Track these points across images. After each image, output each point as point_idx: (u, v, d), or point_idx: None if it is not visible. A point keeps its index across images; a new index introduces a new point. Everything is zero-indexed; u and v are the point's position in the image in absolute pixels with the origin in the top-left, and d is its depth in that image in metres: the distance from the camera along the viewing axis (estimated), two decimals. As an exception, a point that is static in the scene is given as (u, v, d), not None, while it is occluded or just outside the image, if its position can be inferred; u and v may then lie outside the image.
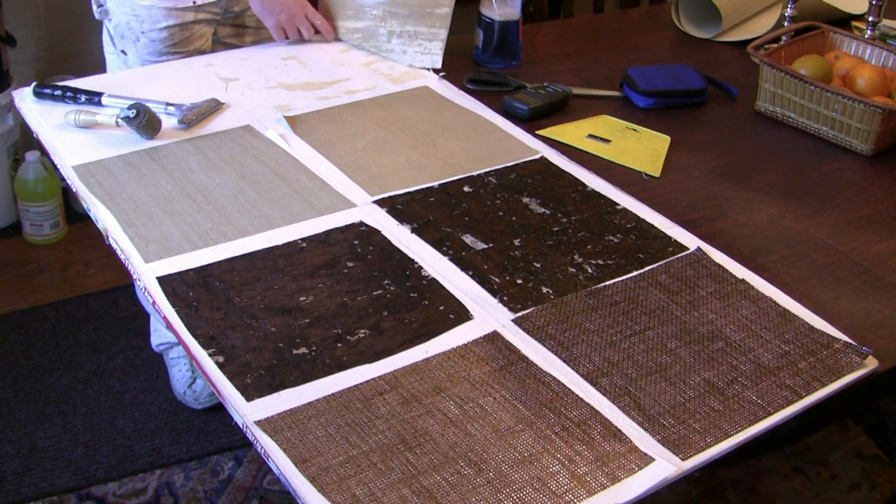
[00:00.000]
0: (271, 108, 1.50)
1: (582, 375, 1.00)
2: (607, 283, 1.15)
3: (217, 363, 0.99)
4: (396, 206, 1.27)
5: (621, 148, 1.48)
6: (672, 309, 1.11)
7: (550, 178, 1.37)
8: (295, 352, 1.01)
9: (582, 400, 0.97)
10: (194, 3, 1.71)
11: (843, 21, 1.96)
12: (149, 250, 1.15)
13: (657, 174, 1.42)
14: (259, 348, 1.01)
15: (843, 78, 1.60)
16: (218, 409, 2.05)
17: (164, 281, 1.10)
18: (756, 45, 1.64)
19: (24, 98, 1.49)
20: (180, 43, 1.72)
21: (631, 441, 0.92)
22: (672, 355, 1.04)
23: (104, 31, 1.79)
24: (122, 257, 1.16)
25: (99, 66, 1.84)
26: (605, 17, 2.34)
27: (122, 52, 1.74)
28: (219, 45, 1.81)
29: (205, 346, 1.01)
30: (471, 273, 1.15)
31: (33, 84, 1.49)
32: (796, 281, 1.19)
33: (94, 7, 1.76)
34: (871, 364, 1.04)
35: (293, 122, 1.46)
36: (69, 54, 2.68)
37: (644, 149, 1.48)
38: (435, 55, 1.67)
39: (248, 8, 1.80)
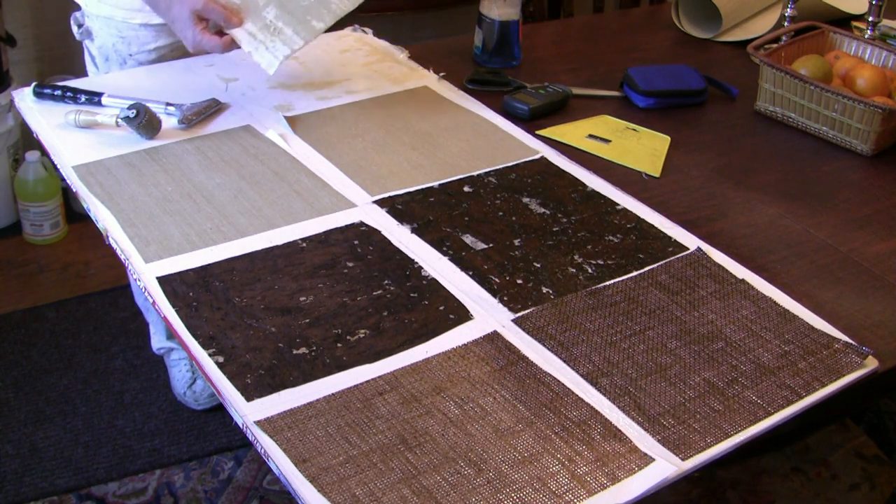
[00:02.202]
0: (271, 108, 1.50)
1: (582, 375, 1.00)
2: (607, 283, 1.15)
3: (217, 363, 0.99)
4: (396, 206, 1.27)
5: (621, 148, 1.48)
6: (672, 309, 1.11)
7: (550, 178, 1.37)
8: (295, 352, 1.01)
9: (582, 400, 0.97)
10: None
11: (843, 21, 1.96)
12: (149, 250, 1.15)
13: (657, 174, 1.42)
14: (259, 348, 1.01)
15: (843, 78, 1.60)
16: (218, 410, 2.05)
17: (164, 281, 1.10)
18: (756, 45, 1.64)
19: (24, 98, 1.49)
20: None
21: (631, 441, 0.92)
22: (672, 355, 1.04)
23: (86, 52, 1.72)
24: (122, 257, 1.16)
25: (99, 66, 1.83)
26: (605, 17, 2.34)
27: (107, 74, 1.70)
28: None
29: (205, 346, 1.01)
30: (471, 273, 1.15)
31: (33, 84, 1.49)
32: (796, 281, 1.19)
33: (74, 27, 1.69)
34: (871, 364, 1.04)
35: (293, 122, 1.46)
36: (69, 54, 2.68)
37: (644, 149, 1.48)
38: (273, 58, 1.41)
39: None
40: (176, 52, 1.68)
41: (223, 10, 1.40)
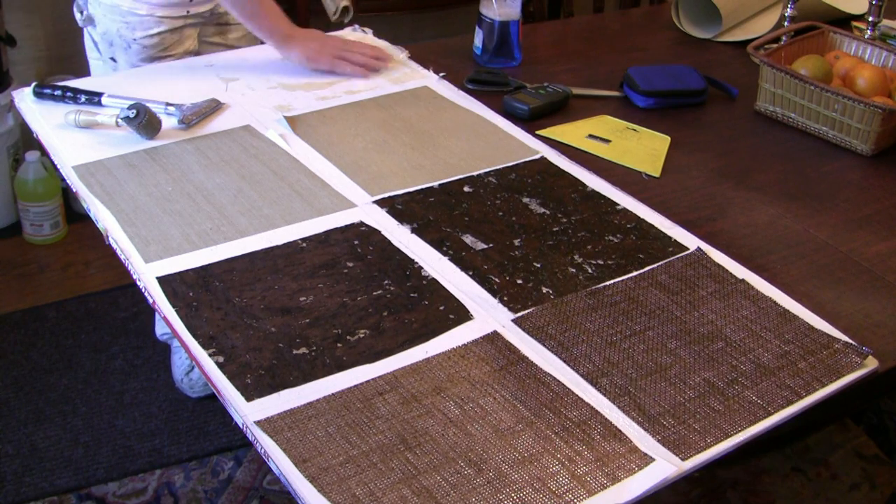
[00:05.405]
0: (271, 108, 1.50)
1: (582, 375, 1.00)
2: (607, 283, 1.15)
3: (217, 363, 0.99)
4: (396, 206, 1.27)
5: (621, 148, 1.48)
6: (672, 309, 1.11)
7: (550, 178, 1.37)
8: (295, 352, 1.01)
9: (582, 400, 0.97)
10: (188, 11, 1.70)
11: (843, 21, 1.96)
12: (149, 250, 1.15)
13: (657, 174, 1.42)
14: (259, 348, 1.01)
15: (843, 78, 1.60)
16: (213, 400, 2.05)
17: (164, 281, 1.10)
18: (756, 45, 1.64)
19: (24, 98, 1.49)
20: (171, 46, 1.72)
21: (631, 441, 0.92)
22: (672, 355, 1.04)
23: (87, 37, 1.77)
24: (122, 257, 1.16)
25: (99, 67, 1.84)
26: (605, 17, 2.34)
27: (112, 59, 1.73)
28: (204, 44, 1.80)
29: (205, 346, 1.01)
30: (471, 273, 1.15)
31: (33, 84, 1.49)
32: (796, 281, 1.19)
33: (77, 13, 1.74)
34: (871, 364, 1.04)
35: (293, 122, 1.46)
36: (69, 54, 2.68)
37: (644, 149, 1.48)
38: None
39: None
40: (175, 35, 1.71)
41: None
